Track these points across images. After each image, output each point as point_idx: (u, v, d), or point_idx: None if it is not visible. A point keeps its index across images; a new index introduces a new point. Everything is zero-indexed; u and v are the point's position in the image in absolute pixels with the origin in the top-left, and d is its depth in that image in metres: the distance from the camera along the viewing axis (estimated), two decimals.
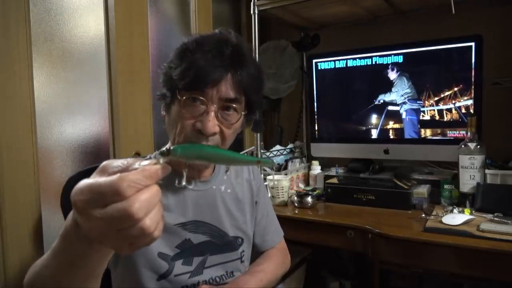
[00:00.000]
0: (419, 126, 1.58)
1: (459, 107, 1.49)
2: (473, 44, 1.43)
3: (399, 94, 1.60)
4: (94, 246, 0.43)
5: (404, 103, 1.59)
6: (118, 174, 0.36)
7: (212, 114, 0.71)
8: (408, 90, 1.58)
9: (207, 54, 0.70)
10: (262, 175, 1.61)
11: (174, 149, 0.42)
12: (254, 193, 0.96)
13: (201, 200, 0.83)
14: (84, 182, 0.38)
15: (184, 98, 0.71)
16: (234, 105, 0.73)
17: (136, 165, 0.38)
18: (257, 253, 0.98)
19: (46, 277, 0.50)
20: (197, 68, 0.69)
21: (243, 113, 0.76)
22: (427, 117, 1.56)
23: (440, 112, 1.53)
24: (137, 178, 0.36)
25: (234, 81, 0.72)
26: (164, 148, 0.42)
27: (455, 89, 1.49)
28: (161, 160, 0.41)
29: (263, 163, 0.54)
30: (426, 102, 1.55)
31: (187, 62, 0.71)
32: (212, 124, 0.71)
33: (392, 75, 1.60)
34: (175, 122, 0.74)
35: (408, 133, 1.61)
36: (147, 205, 0.36)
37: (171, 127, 0.76)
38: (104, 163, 0.40)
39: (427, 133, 1.57)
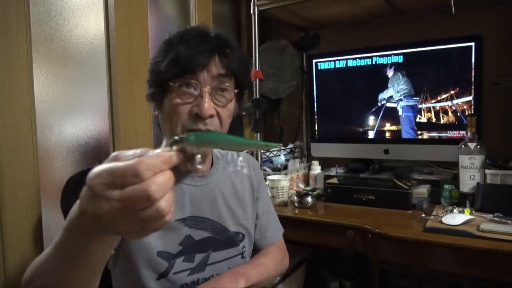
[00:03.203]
0: (415, 123, 1.58)
1: (459, 107, 1.49)
2: (473, 44, 1.43)
3: (395, 89, 1.60)
4: (93, 239, 0.45)
5: (400, 99, 1.60)
6: (137, 158, 0.38)
7: (207, 95, 0.72)
8: (404, 86, 1.58)
9: (192, 43, 0.72)
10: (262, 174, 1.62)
11: (187, 136, 0.44)
12: (255, 189, 0.96)
13: (199, 196, 0.83)
14: (102, 166, 0.39)
15: (177, 84, 0.72)
16: (226, 84, 0.75)
17: (150, 153, 0.40)
18: (256, 250, 0.97)
19: (45, 270, 0.51)
20: (185, 55, 0.71)
21: (235, 91, 0.77)
22: (427, 117, 1.56)
23: (440, 112, 1.53)
24: (154, 162, 0.38)
25: (223, 62, 0.74)
26: (177, 136, 0.44)
27: (455, 89, 1.49)
28: (174, 148, 0.43)
29: (270, 146, 0.57)
30: (426, 101, 1.55)
31: (174, 53, 0.72)
32: (208, 105, 0.72)
33: (389, 72, 1.61)
34: (170, 114, 0.74)
35: (405, 130, 1.61)
36: (163, 187, 0.38)
37: (167, 120, 0.76)
38: (115, 153, 0.41)
39: (427, 133, 1.57)
